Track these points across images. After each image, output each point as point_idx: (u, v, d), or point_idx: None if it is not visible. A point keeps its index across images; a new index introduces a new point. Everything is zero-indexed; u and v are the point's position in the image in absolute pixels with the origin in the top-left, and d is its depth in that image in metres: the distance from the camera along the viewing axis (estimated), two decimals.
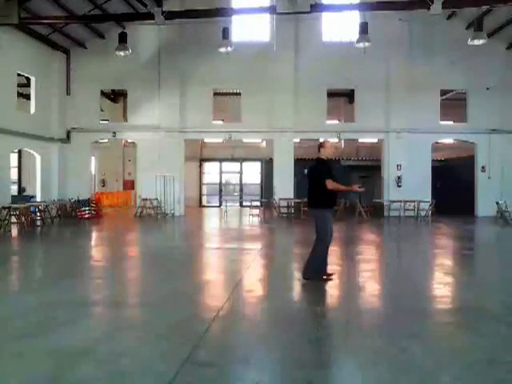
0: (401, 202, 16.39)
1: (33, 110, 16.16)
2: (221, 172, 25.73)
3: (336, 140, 20.40)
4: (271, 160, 18.61)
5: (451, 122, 19.50)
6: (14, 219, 12.41)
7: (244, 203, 23.02)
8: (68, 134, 17.76)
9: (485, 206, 17.34)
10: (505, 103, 17.57)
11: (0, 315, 4.64)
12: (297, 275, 6.40)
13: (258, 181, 25.16)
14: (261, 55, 17.60)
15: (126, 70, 17.60)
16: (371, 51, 15.80)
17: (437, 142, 19.34)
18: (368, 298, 5.51)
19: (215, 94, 18.80)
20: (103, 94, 20.69)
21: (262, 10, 15.65)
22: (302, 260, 7.07)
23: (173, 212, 17.60)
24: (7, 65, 14.32)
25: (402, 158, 17.73)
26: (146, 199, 17.16)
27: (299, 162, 17.18)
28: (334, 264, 7.69)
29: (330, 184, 5.71)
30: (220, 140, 22.21)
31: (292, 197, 17.08)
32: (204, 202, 25.69)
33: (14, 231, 11.99)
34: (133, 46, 15.86)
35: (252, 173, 25.71)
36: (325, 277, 6.01)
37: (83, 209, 15.96)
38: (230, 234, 13.08)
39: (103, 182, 25.66)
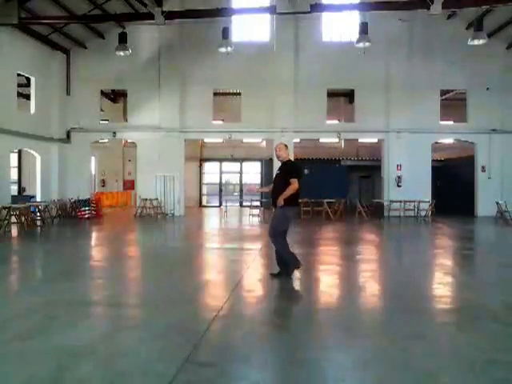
0: (401, 202, 16.38)
1: (33, 110, 16.15)
2: (221, 172, 25.73)
3: (336, 140, 20.45)
4: (271, 160, 18.60)
5: (451, 122, 19.50)
6: (14, 219, 12.41)
7: (244, 203, 23.02)
8: (68, 133, 17.76)
9: (485, 205, 17.35)
10: (505, 103, 17.55)
11: (0, 315, 4.63)
12: (297, 275, 6.40)
13: (258, 181, 25.16)
14: (261, 55, 17.61)
15: (126, 70, 17.62)
16: (371, 51, 15.82)
17: (437, 142, 19.33)
18: (368, 298, 5.51)
19: (215, 94, 18.80)
20: (103, 93, 20.69)
21: (262, 9, 15.68)
22: (302, 260, 7.06)
23: (173, 212, 17.61)
24: (7, 65, 14.31)
25: (402, 158, 17.72)
26: (146, 199, 17.16)
27: (299, 162, 17.19)
28: (334, 264, 7.71)
29: (296, 183, 5.95)
30: (220, 140, 22.23)
31: None
32: (204, 202, 25.69)
33: (14, 231, 11.99)
34: (133, 46, 15.88)
35: (252, 173, 25.70)
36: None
37: (83, 209, 15.96)
38: (229, 233, 13.08)
39: (103, 182, 25.66)
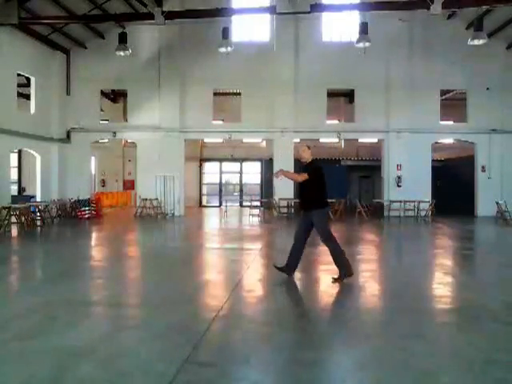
0: (401, 202, 16.38)
1: (33, 110, 16.15)
2: (221, 172, 25.73)
3: (336, 140, 20.47)
4: (271, 160, 18.61)
5: (451, 122, 19.50)
6: (14, 219, 12.41)
7: (244, 203, 23.01)
8: (68, 133, 17.76)
9: (485, 206, 17.34)
10: (505, 103, 17.55)
11: (0, 315, 4.63)
12: (297, 275, 6.40)
13: (258, 181, 25.16)
14: (261, 55, 17.61)
15: (126, 70, 17.61)
16: (371, 51, 15.81)
17: (437, 142, 19.33)
18: (368, 298, 5.51)
19: (215, 94, 18.80)
20: (103, 93, 20.69)
21: (262, 9, 15.68)
22: (302, 260, 7.05)
23: (173, 212, 17.60)
24: (7, 65, 14.30)
25: (402, 158, 17.72)
26: (146, 199, 17.16)
27: (299, 162, 17.18)
28: (334, 264, 7.68)
29: (304, 176, 6.13)
30: (220, 140, 22.23)
31: (292, 197, 17.08)
32: (204, 202, 25.69)
33: (14, 231, 12.00)
34: (133, 46, 15.86)
35: (252, 173, 25.70)
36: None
37: (83, 209, 15.96)
38: (229, 234, 13.08)
39: (103, 182, 25.66)
